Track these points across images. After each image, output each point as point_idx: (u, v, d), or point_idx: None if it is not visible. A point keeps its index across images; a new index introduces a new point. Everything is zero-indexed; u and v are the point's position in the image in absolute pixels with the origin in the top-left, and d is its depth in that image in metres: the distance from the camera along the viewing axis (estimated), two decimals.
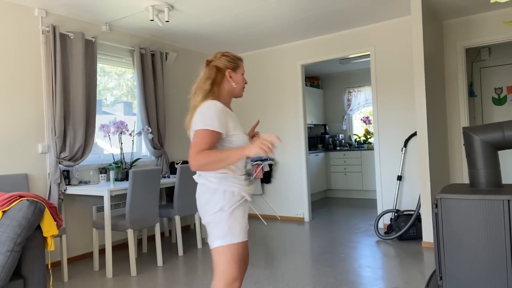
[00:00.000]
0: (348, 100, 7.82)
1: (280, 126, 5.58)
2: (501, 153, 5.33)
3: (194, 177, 1.82)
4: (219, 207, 1.70)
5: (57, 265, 3.75)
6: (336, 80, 7.98)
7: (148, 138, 4.52)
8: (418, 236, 4.11)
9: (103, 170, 4.03)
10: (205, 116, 1.66)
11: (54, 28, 3.67)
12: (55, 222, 2.38)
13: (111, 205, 4.17)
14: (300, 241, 4.27)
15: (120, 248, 4.32)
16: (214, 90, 1.79)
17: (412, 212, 4.27)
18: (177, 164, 4.95)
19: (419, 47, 3.85)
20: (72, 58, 3.83)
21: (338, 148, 7.56)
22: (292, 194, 5.50)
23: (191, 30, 4.61)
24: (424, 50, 3.87)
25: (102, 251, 4.09)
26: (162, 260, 3.78)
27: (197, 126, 1.66)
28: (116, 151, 4.42)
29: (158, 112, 4.67)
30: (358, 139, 7.61)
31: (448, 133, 4.74)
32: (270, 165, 5.63)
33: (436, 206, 2.20)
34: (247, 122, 5.90)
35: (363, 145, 7.40)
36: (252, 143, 1.60)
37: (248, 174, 1.86)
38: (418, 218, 4.13)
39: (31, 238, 2.25)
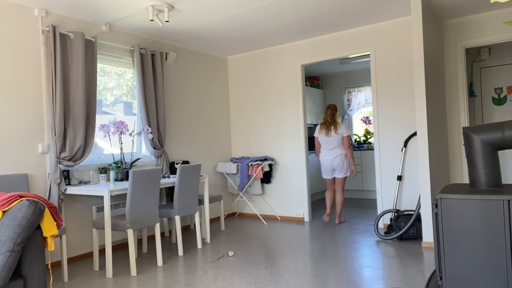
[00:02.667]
0: (348, 100, 7.82)
1: (280, 126, 5.59)
2: (501, 153, 5.33)
3: (340, 151, 4.91)
4: (347, 163, 4.96)
5: (57, 265, 3.75)
6: (336, 80, 7.98)
7: (148, 138, 4.52)
8: (418, 236, 4.11)
9: (103, 170, 4.03)
10: (347, 129, 4.93)
11: (54, 28, 3.67)
12: (55, 222, 2.38)
13: (111, 205, 4.17)
14: (300, 241, 4.27)
15: (120, 248, 4.32)
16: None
17: (412, 212, 4.27)
18: (177, 164, 4.95)
19: (419, 47, 3.85)
20: (72, 58, 3.83)
21: None
22: (292, 194, 5.51)
23: (191, 30, 4.61)
24: (424, 50, 3.87)
25: (102, 251, 4.09)
26: (162, 260, 3.78)
27: (347, 133, 4.89)
28: (116, 151, 4.43)
29: (158, 112, 4.67)
30: (358, 139, 7.61)
31: (448, 133, 4.74)
32: (270, 165, 5.63)
33: (436, 206, 2.20)
34: (248, 122, 5.91)
35: (363, 145, 7.40)
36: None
37: None
38: (418, 218, 4.13)
39: (31, 238, 2.25)
